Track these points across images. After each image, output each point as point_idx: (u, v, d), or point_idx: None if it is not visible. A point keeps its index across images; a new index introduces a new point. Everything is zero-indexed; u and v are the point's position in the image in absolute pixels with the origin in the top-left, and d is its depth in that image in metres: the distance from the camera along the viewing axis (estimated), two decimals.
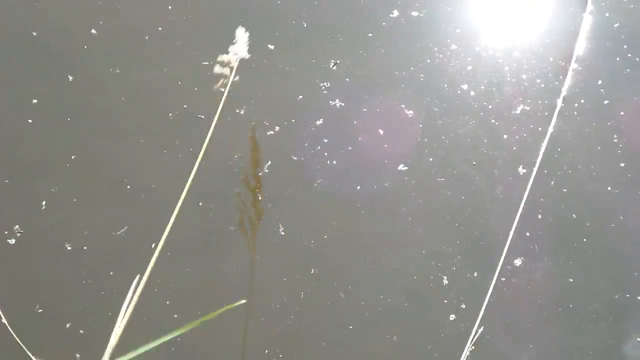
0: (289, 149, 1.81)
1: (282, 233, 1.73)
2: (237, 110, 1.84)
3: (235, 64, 1.44)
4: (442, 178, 1.76)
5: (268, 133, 1.82)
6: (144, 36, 1.91)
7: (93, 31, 1.91)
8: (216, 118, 1.57)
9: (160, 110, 1.84)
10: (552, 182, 1.74)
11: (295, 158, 1.80)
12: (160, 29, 1.92)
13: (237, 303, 0.69)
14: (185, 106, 1.84)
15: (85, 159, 1.81)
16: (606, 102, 1.80)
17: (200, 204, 1.76)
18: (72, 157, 1.81)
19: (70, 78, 1.88)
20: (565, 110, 1.79)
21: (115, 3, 1.95)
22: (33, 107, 1.86)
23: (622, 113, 1.80)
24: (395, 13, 1.90)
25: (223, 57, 1.45)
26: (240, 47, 1.43)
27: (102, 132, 1.84)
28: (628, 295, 1.67)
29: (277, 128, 1.82)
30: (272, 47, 1.90)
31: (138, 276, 1.19)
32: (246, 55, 1.44)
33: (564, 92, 1.79)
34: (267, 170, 1.79)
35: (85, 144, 1.83)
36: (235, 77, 1.46)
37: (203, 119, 1.82)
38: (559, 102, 1.79)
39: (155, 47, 1.91)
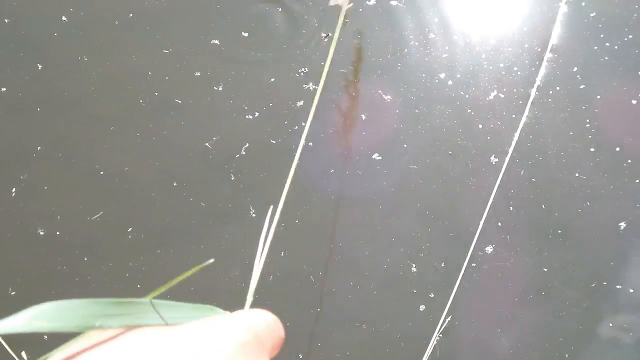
0: (267, 133, 1.84)
1: (254, 215, 1.78)
2: (215, 89, 1.87)
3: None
4: (414, 166, 1.80)
5: (247, 117, 1.85)
6: (114, 22, 1.94)
7: (64, 18, 1.94)
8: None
9: (132, 97, 1.88)
10: (522, 172, 1.77)
11: (273, 141, 1.83)
12: (130, 15, 1.94)
13: (206, 262, 0.72)
14: (156, 93, 1.87)
15: (55, 146, 1.85)
16: (582, 86, 1.83)
17: (174, 184, 1.81)
18: (43, 144, 1.85)
19: (40, 66, 1.90)
20: (540, 98, 1.82)
21: None
22: (2, 95, 1.90)
23: (598, 97, 1.82)
24: (373, 1, 1.92)
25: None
26: None
27: (72, 119, 1.87)
28: (605, 283, 1.72)
29: (256, 114, 1.85)
30: (245, 34, 1.92)
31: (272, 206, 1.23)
32: None
33: (538, 82, 1.82)
34: (244, 153, 1.83)
35: (55, 131, 1.87)
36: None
37: (178, 104, 1.86)
38: (533, 91, 1.82)
39: (126, 34, 1.93)
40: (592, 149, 1.78)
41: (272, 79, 1.87)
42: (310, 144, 1.82)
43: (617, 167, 1.77)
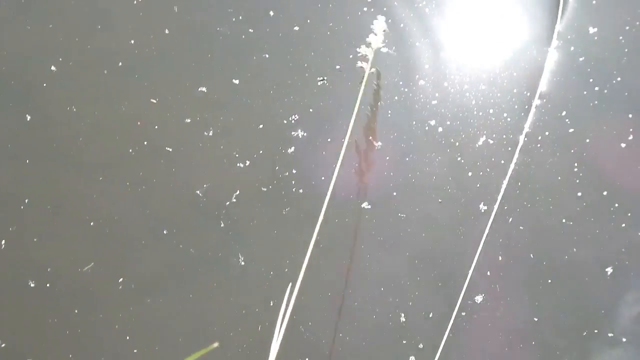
0: (258, 180, 1.86)
1: (242, 263, 1.80)
2: (206, 134, 1.89)
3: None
4: (403, 214, 1.81)
5: (238, 165, 1.87)
6: (103, 71, 1.97)
7: (53, 68, 1.97)
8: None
9: (121, 146, 1.90)
10: (511, 219, 1.79)
11: (264, 189, 1.85)
12: (120, 64, 1.97)
13: (211, 347, 0.73)
14: (145, 142, 1.90)
15: (44, 197, 1.88)
16: (571, 130, 1.86)
17: (165, 231, 1.83)
18: (32, 194, 1.88)
19: (29, 117, 1.93)
20: (529, 144, 1.84)
21: (75, 38, 2.00)
22: None
23: (587, 140, 1.85)
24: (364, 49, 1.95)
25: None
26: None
27: (61, 170, 1.90)
28: (596, 331, 1.73)
29: (247, 162, 1.87)
30: (236, 81, 1.94)
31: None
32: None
33: (526, 129, 1.84)
34: (234, 200, 1.85)
35: (44, 182, 1.89)
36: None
37: (169, 152, 1.88)
38: (522, 138, 1.83)
39: (115, 83, 1.96)
40: (580, 194, 1.80)
41: (261, 126, 1.89)
42: (301, 190, 1.84)
43: (604, 211, 1.79)
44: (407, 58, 1.94)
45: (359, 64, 1.77)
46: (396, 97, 1.91)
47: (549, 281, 1.75)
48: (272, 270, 1.80)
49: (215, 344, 0.74)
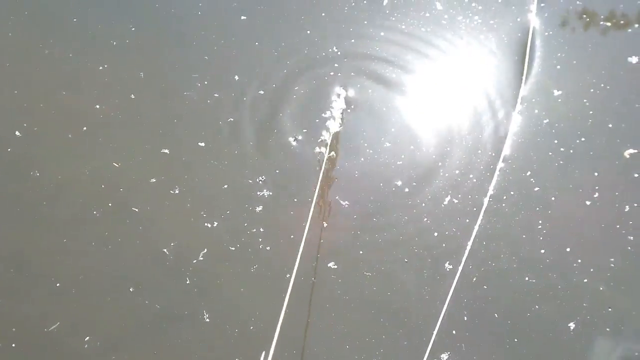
0: (226, 240, 1.90)
1: (207, 320, 1.82)
2: (172, 192, 1.94)
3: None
4: (369, 273, 1.85)
5: (206, 224, 1.90)
6: (67, 135, 2.02)
7: (17, 133, 2.02)
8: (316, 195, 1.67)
9: (85, 208, 1.95)
10: (474, 279, 1.83)
11: (232, 248, 1.89)
12: (85, 128, 2.03)
13: None
14: (110, 204, 1.94)
15: (9, 257, 1.91)
16: (536, 189, 1.91)
17: (130, 289, 1.86)
18: None
19: None
20: (494, 204, 1.89)
21: (40, 104, 2.05)
22: None
23: (552, 198, 1.90)
24: (328, 112, 2.00)
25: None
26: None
27: (24, 231, 1.93)
28: None
29: (215, 223, 1.91)
30: (202, 144, 1.99)
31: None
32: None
33: (490, 191, 1.89)
34: (201, 258, 1.88)
35: (7, 243, 1.93)
36: None
37: (135, 212, 1.92)
38: (486, 200, 1.88)
39: (79, 147, 2.01)
40: (542, 251, 1.84)
41: (225, 186, 1.94)
42: (268, 248, 1.88)
43: (567, 267, 1.83)
44: (373, 119, 2.01)
45: (317, 149, 1.84)
46: (362, 158, 1.96)
47: (515, 340, 1.78)
48: (237, 328, 1.82)
49: None
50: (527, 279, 1.82)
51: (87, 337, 1.82)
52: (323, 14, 2.11)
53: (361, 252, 1.87)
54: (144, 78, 2.07)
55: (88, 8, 2.15)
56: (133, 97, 2.05)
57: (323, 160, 1.82)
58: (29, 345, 1.81)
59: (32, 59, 2.10)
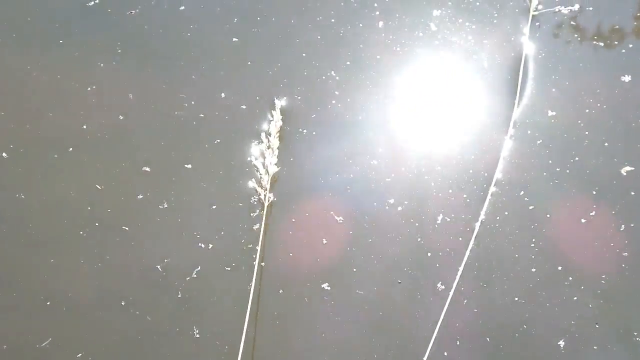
0: (222, 260, 1.93)
1: (197, 336, 1.84)
2: (160, 207, 1.98)
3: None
4: (361, 291, 1.87)
5: (200, 245, 1.94)
6: (53, 156, 2.05)
7: (4, 155, 2.05)
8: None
9: (72, 229, 1.97)
10: (466, 301, 1.85)
11: (227, 269, 1.91)
12: (70, 149, 2.06)
13: None
14: (96, 224, 1.97)
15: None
16: (531, 207, 1.94)
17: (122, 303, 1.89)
18: None
19: None
20: (488, 224, 1.91)
21: (26, 125, 2.09)
22: None
23: (548, 215, 1.93)
24: (305, 130, 2.04)
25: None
26: None
27: (17, 245, 1.96)
28: None
29: (210, 245, 1.95)
30: (188, 166, 2.03)
31: None
32: None
33: (482, 215, 1.92)
34: (195, 276, 1.91)
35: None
36: None
37: (125, 230, 1.95)
38: (477, 225, 1.91)
39: (65, 169, 2.04)
40: (534, 269, 1.87)
41: (214, 207, 1.97)
42: (263, 264, 1.90)
43: (557, 285, 1.86)
44: (366, 133, 2.06)
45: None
46: (352, 175, 2.01)
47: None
48: (226, 344, 1.84)
49: None
50: (516, 299, 1.84)
51: (80, 354, 1.83)
52: (318, 37, 2.15)
53: (354, 269, 1.90)
54: (133, 99, 2.11)
55: (74, 29, 2.19)
56: (121, 118, 2.09)
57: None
58: None
59: (19, 81, 2.14)
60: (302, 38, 2.17)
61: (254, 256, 1.91)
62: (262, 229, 1.91)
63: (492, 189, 1.95)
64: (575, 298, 1.84)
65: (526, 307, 1.84)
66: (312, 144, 2.04)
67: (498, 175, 1.97)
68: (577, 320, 1.82)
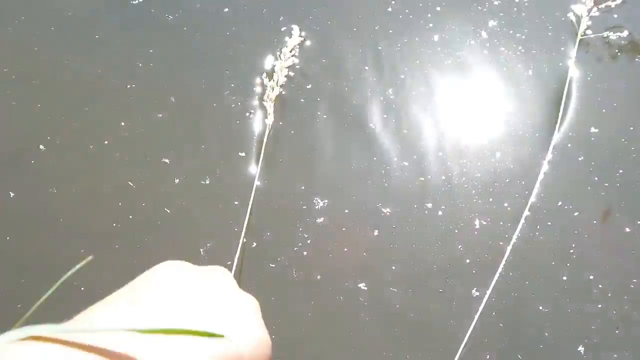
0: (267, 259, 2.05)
1: None
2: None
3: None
4: (395, 288, 1.99)
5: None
6: (89, 147, 2.20)
7: (41, 147, 2.19)
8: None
9: (110, 216, 2.11)
10: (494, 313, 1.96)
11: (272, 265, 2.04)
12: (106, 142, 2.21)
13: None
14: (130, 217, 2.11)
15: (34, 265, 2.06)
16: (576, 214, 2.06)
17: None
18: (28, 258, 2.07)
19: (12, 194, 2.14)
20: (528, 232, 2.04)
21: (62, 117, 2.24)
22: None
23: (594, 221, 2.04)
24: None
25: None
26: None
27: (51, 242, 2.09)
28: None
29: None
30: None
31: None
32: None
33: (514, 238, 2.03)
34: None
35: (28, 254, 2.08)
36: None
37: (165, 215, 2.09)
38: (511, 245, 2.03)
39: (99, 160, 2.19)
40: (564, 277, 1.98)
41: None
42: (295, 272, 2.03)
43: (583, 293, 1.96)
44: (403, 142, 2.19)
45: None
46: (385, 182, 2.14)
47: None
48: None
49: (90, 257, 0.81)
50: (540, 308, 1.95)
51: None
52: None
53: (389, 278, 2.02)
54: (174, 101, 2.27)
55: (115, 26, 2.37)
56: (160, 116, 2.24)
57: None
58: None
59: (58, 75, 2.30)
60: None
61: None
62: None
63: (532, 199, 2.07)
64: (600, 305, 1.94)
65: (549, 316, 1.94)
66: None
67: (538, 186, 2.09)
68: (598, 325, 1.92)
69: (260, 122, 2.21)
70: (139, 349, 0.59)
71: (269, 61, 2.31)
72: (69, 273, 0.78)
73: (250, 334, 0.71)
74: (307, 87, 2.27)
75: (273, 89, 2.22)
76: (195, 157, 2.18)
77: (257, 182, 2.12)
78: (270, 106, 2.21)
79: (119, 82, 2.27)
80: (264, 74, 2.27)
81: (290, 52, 2.26)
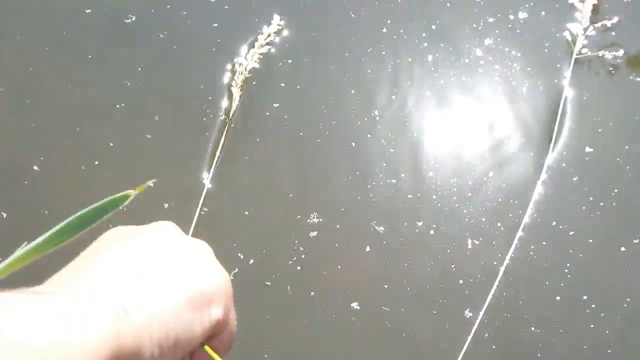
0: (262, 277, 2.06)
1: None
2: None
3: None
4: (388, 307, 2.00)
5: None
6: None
7: (35, 168, 2.20)
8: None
9: (98, 233, 2.08)
10: (487, 334, 1.96)
11: (267, 283, 2.05)
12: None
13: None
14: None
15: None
16: (571, 233, 2.06)
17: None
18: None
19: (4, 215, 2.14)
20: (522, 251, 2.04)
21: (54, 137, 2.25)
22: None
23: (590, 241, 2.05)
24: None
25: None
26: None
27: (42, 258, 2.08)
28: None
29: (251, 261, 2.07)
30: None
31: None
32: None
33: (507, 259, 2.04)
34: (231, 277, 2.02)
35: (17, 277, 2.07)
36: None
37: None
38: (504, 265, 2.03)
39: (91, 178, 2.19)
40: (558, 297, 1.98)
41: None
42: (289, 289, 2.04)
43: (576, 313, 1.97)
44: (398, 166, 2.20)
45: None
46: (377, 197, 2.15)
47: None
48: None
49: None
50: (532, 329, 1.95)
51: None
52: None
53: (382, 297, 2.02)
54: (157, 120, 2.28)
55: (108, 45, 2.39)
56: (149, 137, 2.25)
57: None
58: None
59: (51, 95, 2.32)
60: None
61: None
62: None
63: (526, 219, 2.08)
64: (592, 326, 1.94)
65: (539, 337, 1.95)
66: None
67: (532, 206, 2.10)
68: (589, 345, 1.93)
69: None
70: (109, 297, 0.64)
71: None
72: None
73: (210, 273, 0.76)
74: (303, 106, 2.29)
75: (242, 73, 2.24)
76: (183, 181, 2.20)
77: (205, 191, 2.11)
78: (236, 91, 2.23)
79: (108, 101, 2.30)
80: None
81: (266, 39, 2.29)
